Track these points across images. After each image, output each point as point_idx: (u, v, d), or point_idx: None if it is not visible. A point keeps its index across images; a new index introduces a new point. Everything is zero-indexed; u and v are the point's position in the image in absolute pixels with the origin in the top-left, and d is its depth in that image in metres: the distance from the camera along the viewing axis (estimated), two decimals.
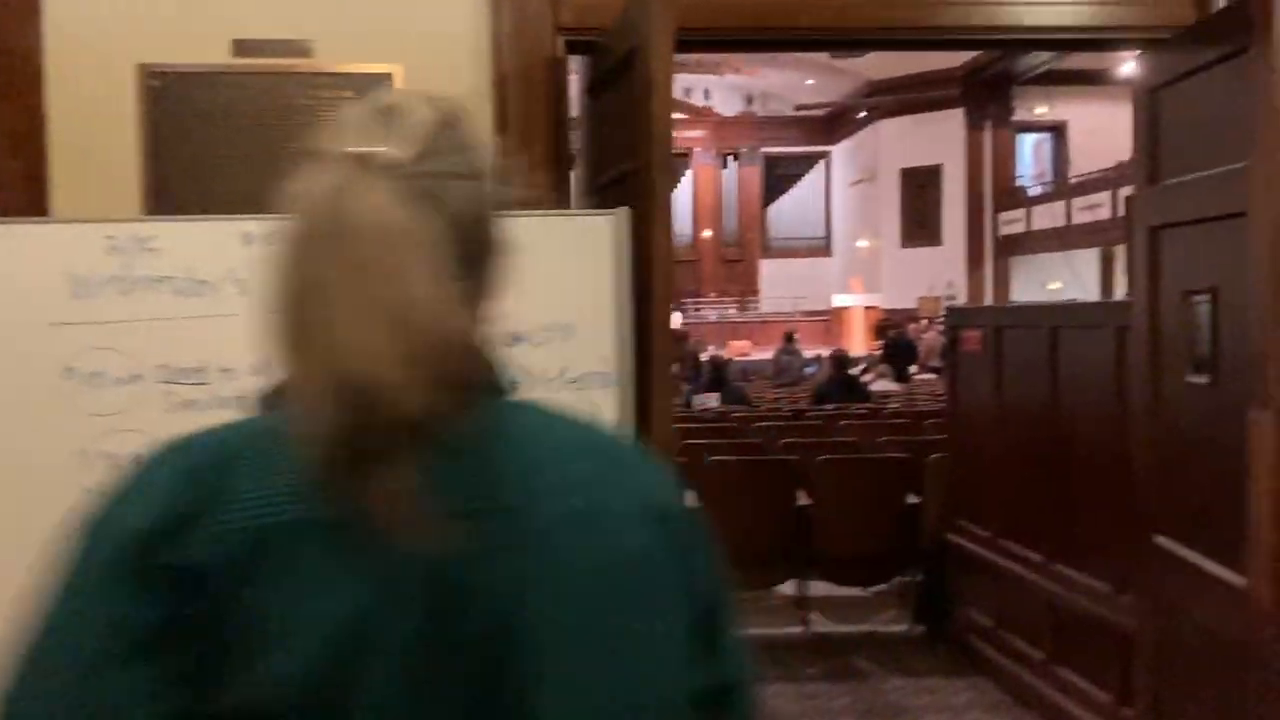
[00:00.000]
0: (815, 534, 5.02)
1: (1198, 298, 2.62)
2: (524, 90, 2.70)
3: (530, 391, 2.24)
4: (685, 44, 2.59)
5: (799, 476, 5.07)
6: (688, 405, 8.70)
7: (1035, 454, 4.02)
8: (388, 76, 2.71)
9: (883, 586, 5.44)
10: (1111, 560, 3.46)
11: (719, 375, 8.79)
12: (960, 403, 4.75)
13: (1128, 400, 3.26)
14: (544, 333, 2.19)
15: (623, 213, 2.24)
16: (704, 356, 17.34)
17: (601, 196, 2.60)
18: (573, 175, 3.05)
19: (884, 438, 5.71)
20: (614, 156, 2.56)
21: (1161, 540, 2.83)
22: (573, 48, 2.77)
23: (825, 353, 17.88)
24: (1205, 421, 2.59)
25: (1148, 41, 2.87)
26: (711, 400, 8.58)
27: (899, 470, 5.01)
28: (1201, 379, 2.60)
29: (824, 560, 5.09)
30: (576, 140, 3.01)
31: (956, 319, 4.73)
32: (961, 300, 22.35)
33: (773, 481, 5.01)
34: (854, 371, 17.26)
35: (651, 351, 2.21)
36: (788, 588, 5.38)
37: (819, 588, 5.32)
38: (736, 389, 8.94)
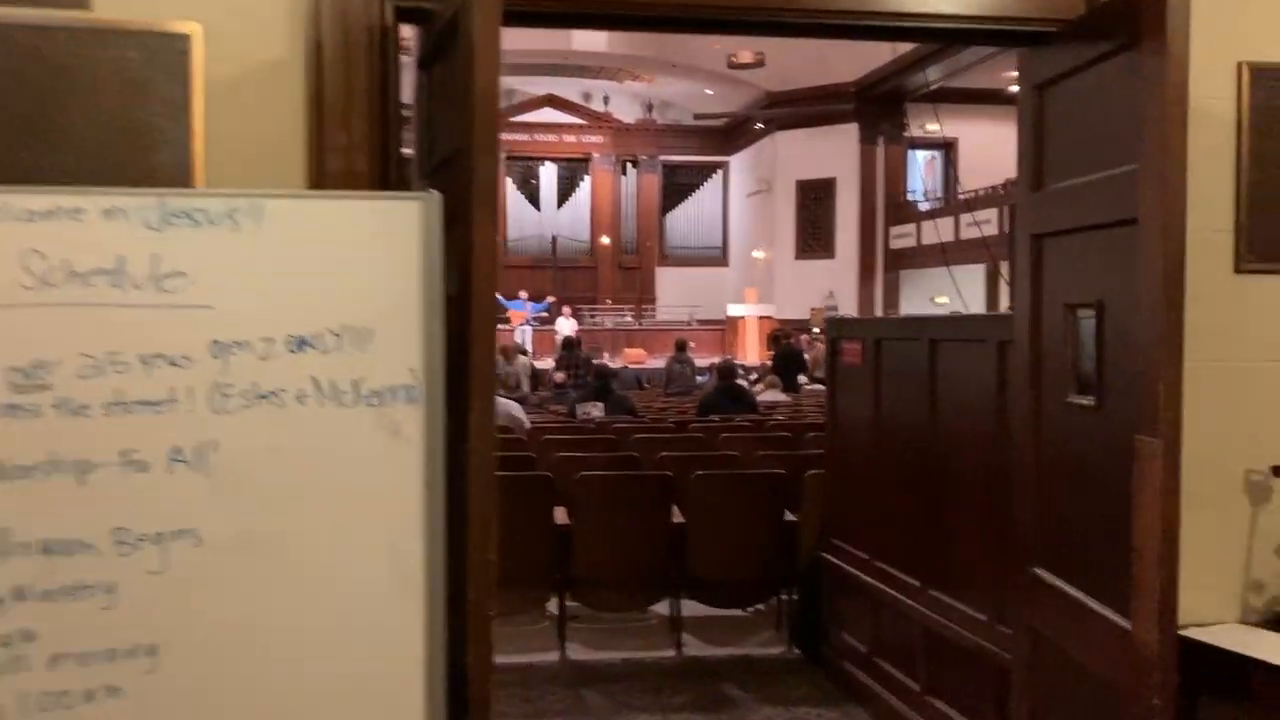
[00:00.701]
0: (689, 553, 4.76)
1: (1083, 312, 2.42)
2: (344, 60, 2.34)
3: (318, 408, 1.84)
4: (521, 15, 2.30)
5: (675, 492, 4.81)
6: (572, 414, 8.38)
7: (913, 474, 3.82)
8: (184, 38, 2.33)
9: (760, 607, 5.21)
10: (989, 589, 3.26)
11: (604, 384, 8.48)
12: (839, 417, 4.54)
13: (1009, 420, 3.07)
14: (333, 337, 1.85)
15: (434, 197, 1.91)
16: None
17: (431, 182, 2.27)
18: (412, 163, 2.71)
19: (765, 452, 5.47)
20: (444, 137, 2.24)
21: (1041, 573, 2.63)
22: (404, 15, 2.43)
23: (729, 358, 17.85)
24: (1089, 447, 2.39)
25: (1034, 35, 2.67)
26: (595, 410, 8.28)
27: (776, 486, 4.77)
28: (1085, 400, 2.40)
29: (698, 580, 4.83)
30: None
31: (836, 330, 4.51)
32: (851, 313, 22.57)
33: (647, 497, 4.73)
34: (743, 382, 17.27)
35: (471, 363, 1.89)
36: (662, 607, 5.12)
37: (695, 608, 5.07)
38: (622, 398, 8.65)
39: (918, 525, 3.78)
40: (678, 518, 4.79)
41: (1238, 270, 2.61)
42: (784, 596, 5.10)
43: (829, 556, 4.55)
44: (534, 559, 4.64)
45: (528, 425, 6.77)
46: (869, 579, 4.15)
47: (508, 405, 6.75)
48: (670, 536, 4.76)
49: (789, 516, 4.87)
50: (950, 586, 3.55)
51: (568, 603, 4.90)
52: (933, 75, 21.40)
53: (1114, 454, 2.26)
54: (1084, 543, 2.41)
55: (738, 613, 5.37)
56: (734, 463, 5.35)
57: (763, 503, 4.75)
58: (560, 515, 4.72)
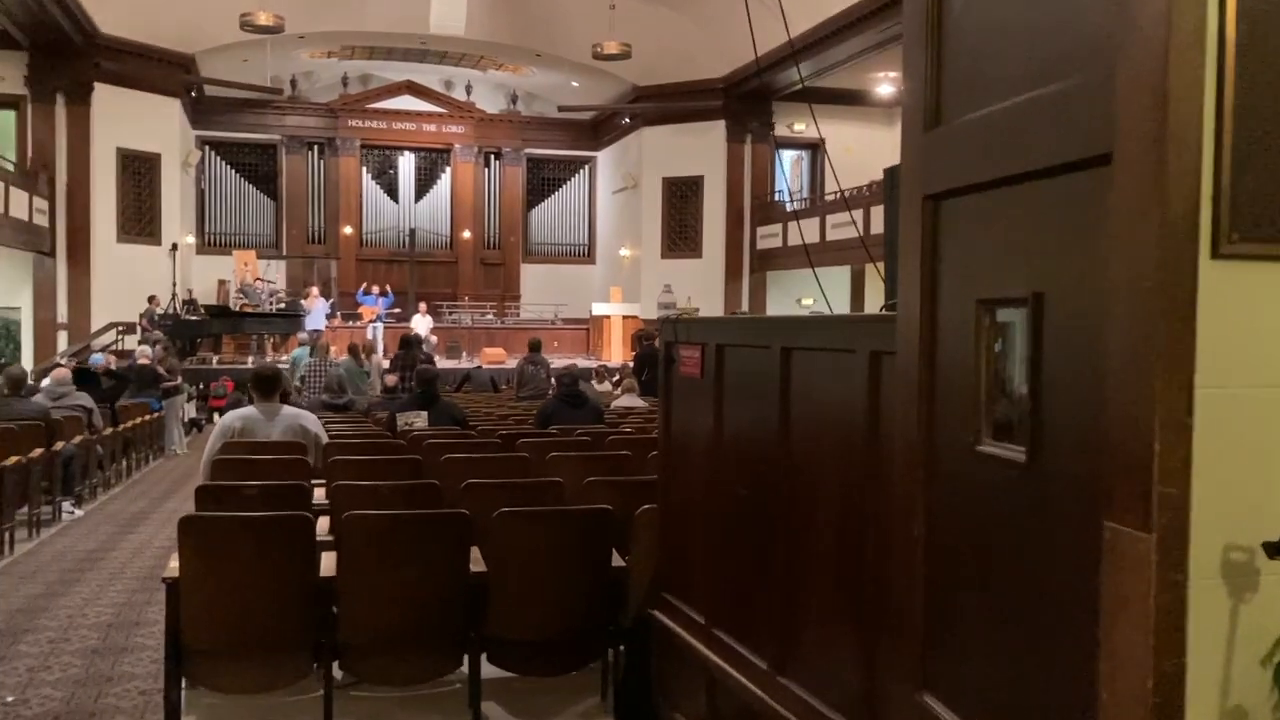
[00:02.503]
0: (490, 608, 3.78)
1: (1006, 311, 1.56)
2: None
3: None
4: None
5: (477, 532, 3.83)
6: (391, 426, 7.30)
7: (760, 522, 2.92)
8: None
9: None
10: (861, 693, 2.40)
11: (428, 390, 7.40)
12: (673, 442, 3.62)
13: (886, 463, 2.20)
14: None
15: None
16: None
17: None
18: None
19: (596, 476, 4.52)
20: None
21: (931, 702, 1.76)
22: None
23: (575, 362, 16.91)
24: (1012, 528, 1.53)
25: None
26: (418, 420, 7.21)
27: (601, 525, 3.83)
28: (1010, 450, 1.53)
29: (500, 641, 3.87)
30: None
31: (671, 332, 3.58)
32: (715, 313, 21.96)
33: (437, 541, 3.74)
34: (606, 385, 16.41)
35: None
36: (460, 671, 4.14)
37: (501, 673, 4.10)
38: (449, 406, 7.59)
39: (766, 590, 2.90)
40: (480, 564, 3.82)
41: (1216, 255, 1.78)
42: (611, 658, 4.18)
43: (660, 616, 3.63)
44: (289, 619, 3.61)
45: (324, 440, 5.68)
46: (706, 651, 3.25)
47: (295, 416, 5.65)
48: (468, 589, 3.78)
49: (618, 561, 3.94)
50: (806, 678, 2.67)
51: (336, 673, 3.88)
52: (801, 74, 21.01)
53: (1053, 539, 1.40)
54: (1008, 678, 1.54)
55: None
56: (554, 493, 4.40)
57: (584, 546, 3.81)
58: (326, 569, 3.68)
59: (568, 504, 4.30)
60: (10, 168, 18.27)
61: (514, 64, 24.68)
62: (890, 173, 2.40)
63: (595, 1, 19.78)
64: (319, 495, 4.88)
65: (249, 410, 5.61)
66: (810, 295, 22.71)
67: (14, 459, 6.75)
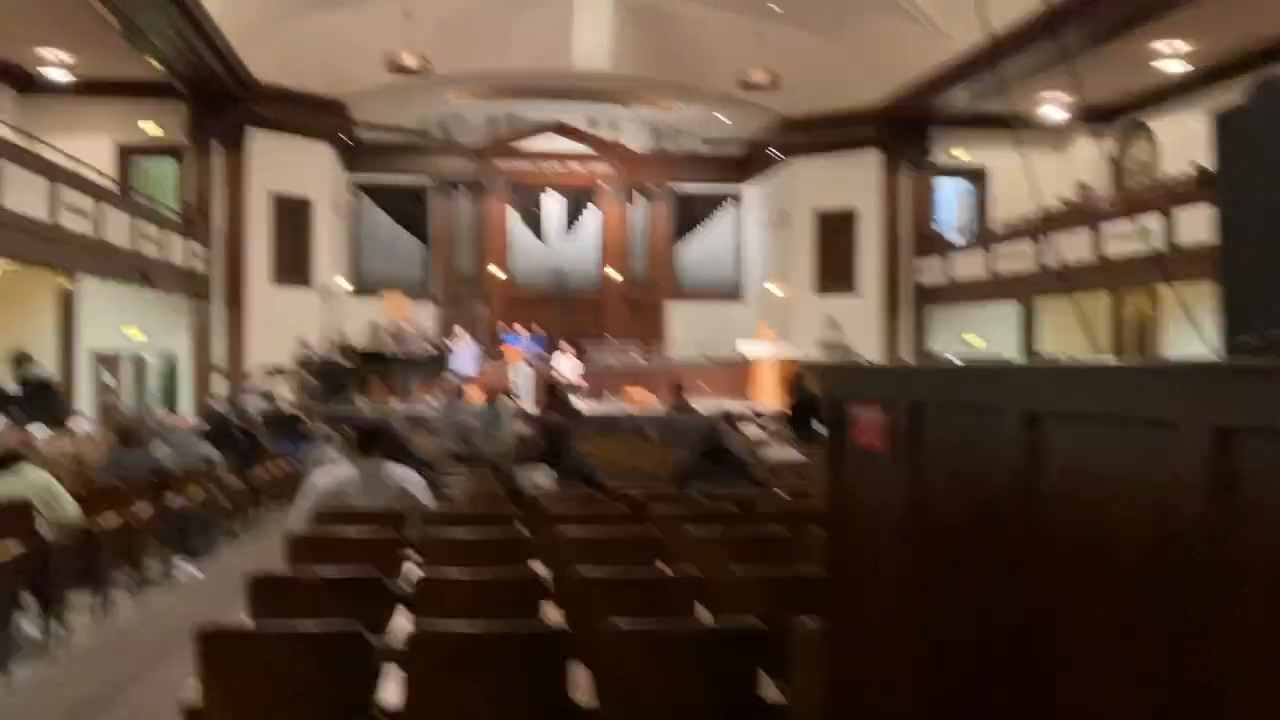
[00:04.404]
0: None
1: None
2: None
3: None
4: None
5: (580, 652, 2.94)
6: (509, 484, 6.52)
7: (986, 662, 1.94)
8: None
9: None
10: None
11: (556, 443, 6.60)
12: (849, 539, 2.65)
13: (1230, 599, 1.21)
14: None
15: None
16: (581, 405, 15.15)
17: None
18: None
19: (743, 567, 3.57)
20: None
21: None
22: None
23: (726, 409, 15.87)
24: None
25: None
26: (541, 477, 6.40)
27: (745, 648, 2.88)
28: None
29: None
30: None
31: (842, 385, 2.59)
32: (872, 356, 20.64)
33: (532, 665, 2.86)
34: (755, 428, 15.34)
35: None
36: None
37: None
38: (579, 462, 6.76)
39: None
40: (586, 694, 2.92)
41: None
42: None
43: None
44: None
45: (428, 508, 4.92)
46: None
47: (398, 479, 4.91)
48: None
49: (770, 693, 2.97)
50: None
51: None
52: (961, 99, 19.69)
53: None
54: None
55: None
56: (689, 594, 3.46)
57: (724, 677, 2.86)
58: (391, 693, 2.84)
59: (707, 602, 3.35)
60: (172, 215, 18.72)
61: (659, 99, 24.15)
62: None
63: (741, 32, 19.03)
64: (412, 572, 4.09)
65: (346, 470, 4.91)
66: (976, 332, 21.17)
67: (114, 517, 6.25)
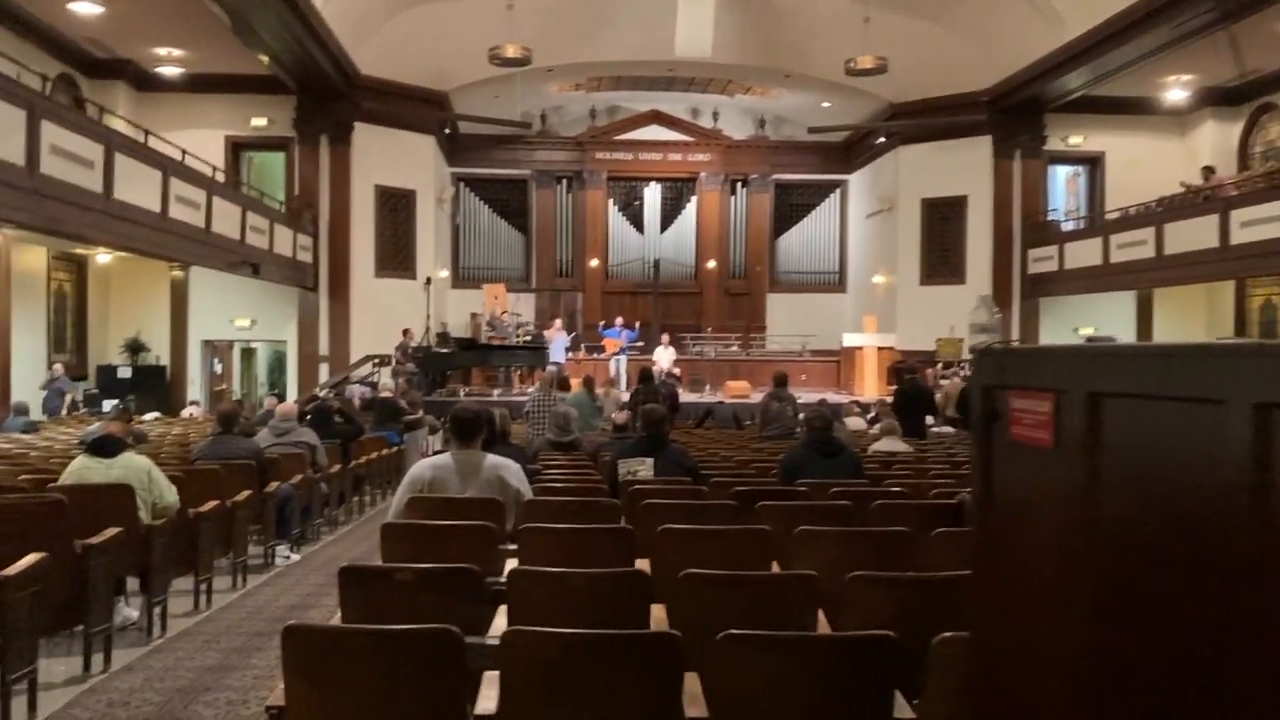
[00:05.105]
0: None
1: None
2: None
3: None
4: None
5: (691, 659, 2.71)
6: (610, 476, 6.33)
7: (1183, 676, 1.65)
8: None
9: None
10: None
11: (657, 435, 6.38)
12: (999, 543, 2.36)
13: None
14: None
15: None
16: (698, 397, 14.92)
17: None
18: None
19: (860, 569, 3.29)
20: None
21: None
22: None
23: (825, 398, 15.45)
24: None
25: None
26: (641, 468, 6.20)
27: (877, 659, 2.61)
28: None
29: None
30: None
31: (994, 369, 2.31)
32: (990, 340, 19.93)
33: (639, 671, 2.64)
34: (859, 420, 14.89)
35: None
36: None
37: None
38: (680, 454, 6.53)
39: None
40: (698, 701, 2.68)
41: None
42: None
43: None
44: None
45: (526, 497, 4.75)
46: None
47: (495, 468, 4.75)
48: None
49: (902, 710, 2.70)
50: None
51: None
52: (1076, 82, 18.83)
53: None
54: None
55: None
56: (805, 594, 3.20)
57: (850, 690, 2.60)
58: (488, 700, 2.64)
59: (824, 605, 3.09)
60: (279, 207, 19.09)
61: (762, 86, 23.72)
62: None
63: (848, 18, 18.51)
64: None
65: (443, 459, 4.77)
66: (1091, 324, 20.29)
67: (213, 503, 6.24)
